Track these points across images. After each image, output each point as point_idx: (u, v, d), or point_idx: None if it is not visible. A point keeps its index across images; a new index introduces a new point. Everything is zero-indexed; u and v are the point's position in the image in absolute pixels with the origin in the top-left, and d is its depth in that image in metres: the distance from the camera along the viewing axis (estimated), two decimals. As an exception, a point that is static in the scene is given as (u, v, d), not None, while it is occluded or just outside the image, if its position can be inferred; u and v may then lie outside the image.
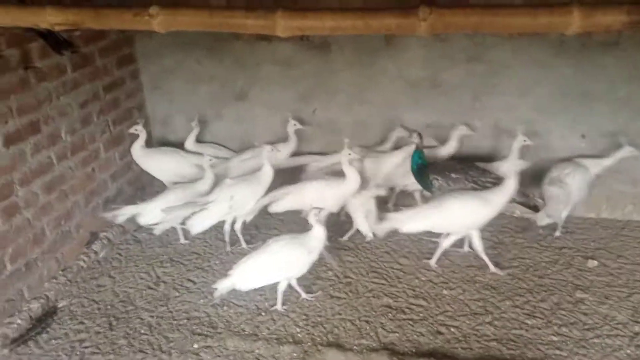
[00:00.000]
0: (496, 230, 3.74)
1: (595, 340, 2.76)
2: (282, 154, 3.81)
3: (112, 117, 3.86)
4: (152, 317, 3.08)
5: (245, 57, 3.96)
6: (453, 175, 3.40)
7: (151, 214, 3.56)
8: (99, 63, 3.66)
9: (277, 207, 3.59)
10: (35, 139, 3.11)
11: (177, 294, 3.27)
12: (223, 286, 2.95)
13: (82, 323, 3.04)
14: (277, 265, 2.97)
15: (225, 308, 3.12)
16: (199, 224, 3.47)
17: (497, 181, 3.26)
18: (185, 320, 3.04)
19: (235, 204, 3.43)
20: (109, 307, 3.17)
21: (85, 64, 3.52)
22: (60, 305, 3.19)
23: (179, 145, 4.14)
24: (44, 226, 3.23)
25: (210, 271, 3.47)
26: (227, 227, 3.62)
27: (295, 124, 3.87)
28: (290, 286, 3.11)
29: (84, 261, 3.53)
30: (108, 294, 3.27)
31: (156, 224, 3.55)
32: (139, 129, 3.86)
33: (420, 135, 3.45)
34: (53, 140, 3.26)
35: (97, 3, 2.17)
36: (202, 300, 3.19)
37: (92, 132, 3.65)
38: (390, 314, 3.02)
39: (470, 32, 2.95)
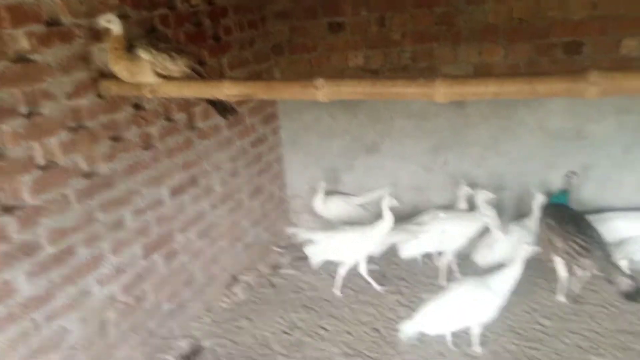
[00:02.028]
0: None
1: None
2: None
3: (255, 170, 4.19)
4: (295, 363, 3.19)
5: (379, 111, 4.12)
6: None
7: (323, 244, 3.75)
8: (247, 122, 4.03)
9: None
10: (195, 191, 3.48)
11: (310, 340, 3.37)
12: (407, 328, 3.01)
13: (223, 362, 3.24)
14: (464, 309, 2.97)
15: (358, 358, 3.15)
16: (407, 250, 3.76)
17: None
18: (320, 368, 3.12)
19: (445, 238, 3.56)
20: (247, 349, 3.33)
21: (237, 124, 3.89)
22: (205, 344, 3.42)
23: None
24: (195, 269, 3.56)
25: (341, 319, 3.54)
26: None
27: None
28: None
29: (226, 303, 3.80)
30: (247, 336, 3.45)
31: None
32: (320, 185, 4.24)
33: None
34: (207, 191, 3.62)
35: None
36: (335, 349, 3.26)
37: (239, 184, 3.99)
38: (533, 380, 2.85)
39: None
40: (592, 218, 3.39)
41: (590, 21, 3.32)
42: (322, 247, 3.75)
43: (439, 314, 3.00)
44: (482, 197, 3.60)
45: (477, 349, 3.09)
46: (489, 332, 3.18)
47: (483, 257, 3.71)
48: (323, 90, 2.14)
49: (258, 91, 2.24)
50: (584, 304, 3.41)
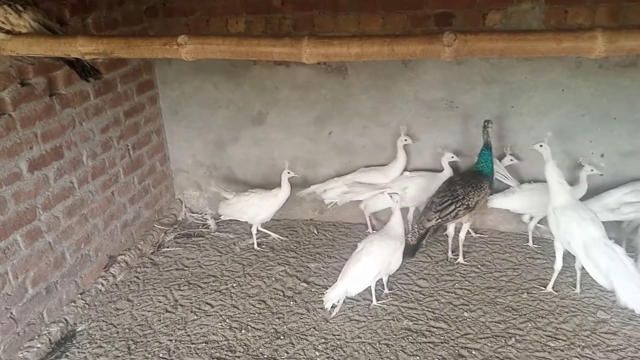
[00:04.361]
0: (515, 251, 3.72)
1: (621, 363, 2.71)
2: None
3: (131, 141, 3.93)
4: (170, 340, 3.07)
5: (264, 82, 4.03)
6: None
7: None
8: (120, 89, 3.74)
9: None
10: (58, 164, 3.17)
11: (195, 317, 3.27)
12: (334, 296, 3.04)
13: (101, 347, 3.04)
14: (379, 263, 3.09)
15: (243, 332, 3.11)
16: (374, 205, 3.93)
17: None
18: (204, 344, 3.03)
19: (406, 196, 3.59)
20: (127, 330, 3.17)
21: (107, 91, 3.59)
22: (79, 329, 3.20)
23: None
24: (64, 250, 3.27)
25: (227, 294, 3.47)
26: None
27: (406, 139, 3.85)
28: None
29: (102, 284, 3.56)
30: (126, 318, 3.28)
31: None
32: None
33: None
34: (75, 165, 3.32)
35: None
36: (220, 324, 3.19)
37: (112, 156, 3.71)
38: (410, 337, 2.99)
39: (496, 56, 2.98)
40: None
41: (460, -7, 3.48)
42: (232, 207, 3.94)
43: (362, 273, 3.07)
44: (446, 158, 3.76)
45: (374, 301, 3.26)
46: (369, 294, 3.28)
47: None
48: (187, 48, 2.01)
49: (115, 48, 2.05)
50: (458, 265, 3.64)
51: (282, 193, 3.83)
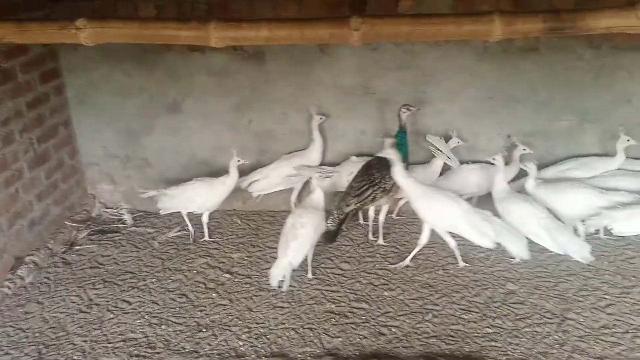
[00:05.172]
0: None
1: (527, 330, 2.89)
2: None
3: (36, 134, 3.67)
4: (85, 341, 2.93)
5: (178, 68, 3.89)
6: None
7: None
8: (20, 79, 3.49)
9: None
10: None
11: (111, 315, 3.13)
12: (278, 273, 3.13)
13: (8, 354, 2.84)
14: (315, 233, 3.26)
15: (163, 327, 3.02)
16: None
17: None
18: (122, 343, 2.91)
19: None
20: (37, 334, 2.99)
21: (6, 80, 3.34)
22: (-17, 336, 2.98)
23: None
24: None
25: (145, 290, 3.35)
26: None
27: (321, 118, 3.85)
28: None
29: (8, 288, 3.32)
30: (36, 321, 3.09)
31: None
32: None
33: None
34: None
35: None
36: (139, 321, 3.07)
37: (14, 151, 3.45)
38: (333, 320, 3.03)
39: (402, 40, 3.06)
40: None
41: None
42: (177, 198, 3.78)
43: (301, 245, 3.19)
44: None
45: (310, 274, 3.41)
46: (292, 280, 3.30)
47: None
48: (86, 32, 1.90)
49: (6, 34, 1.89)
50: (378, 247, 3.73)
51: (231, 180, 3.72)
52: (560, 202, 3.47)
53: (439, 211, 3.30)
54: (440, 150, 3.56)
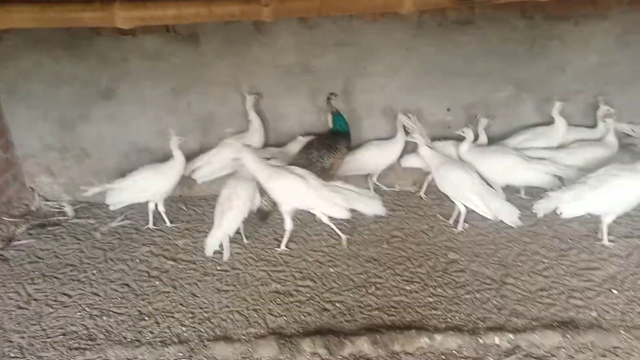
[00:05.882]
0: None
1: (467, 296, 2.95)
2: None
3: (-39, 128, 3.50)
4: (22, 338, 2.83)
5: (109, 53, 3.76)
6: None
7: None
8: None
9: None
10: None
11: (50, 310, 3.04)
12: (214, 242, 3.24)
13: (-62, 357, 2.74)
14: (249, 203, 3.38)
15: (105, 318, 2.95)
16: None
17: None
18: (61, 337, 2.83)
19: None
20: (-29, 335, 2.88)
21: None
22: None
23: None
24: None
25: (86, 282, 3.26)
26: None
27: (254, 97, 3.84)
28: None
29: (-61, 288, 3.19)
30: (-30, 321, 2.98)
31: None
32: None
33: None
34: None
35: None
36: (79, 314, 3.00)
37: None
38: (278, 299, 3.03)
39: (315, 15, 3.01)
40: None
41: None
42: (127, 190, 3.67)
43: (237, 215, 3.30)
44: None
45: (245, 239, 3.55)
46: (239, 262, 3.27)
47: None
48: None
49: None
50: (325, 225, 3.71)
51: (178, 162, 3.64)
52: (485, 166, 3.57)
53: (291, 190, 3.29)
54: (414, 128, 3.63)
